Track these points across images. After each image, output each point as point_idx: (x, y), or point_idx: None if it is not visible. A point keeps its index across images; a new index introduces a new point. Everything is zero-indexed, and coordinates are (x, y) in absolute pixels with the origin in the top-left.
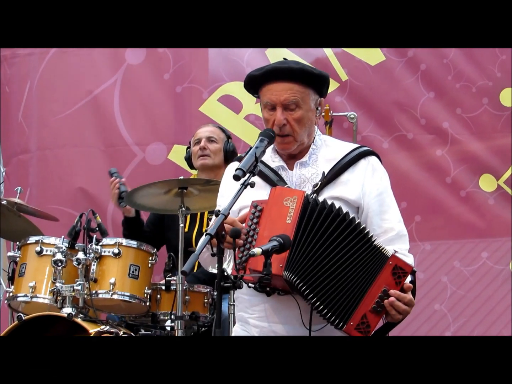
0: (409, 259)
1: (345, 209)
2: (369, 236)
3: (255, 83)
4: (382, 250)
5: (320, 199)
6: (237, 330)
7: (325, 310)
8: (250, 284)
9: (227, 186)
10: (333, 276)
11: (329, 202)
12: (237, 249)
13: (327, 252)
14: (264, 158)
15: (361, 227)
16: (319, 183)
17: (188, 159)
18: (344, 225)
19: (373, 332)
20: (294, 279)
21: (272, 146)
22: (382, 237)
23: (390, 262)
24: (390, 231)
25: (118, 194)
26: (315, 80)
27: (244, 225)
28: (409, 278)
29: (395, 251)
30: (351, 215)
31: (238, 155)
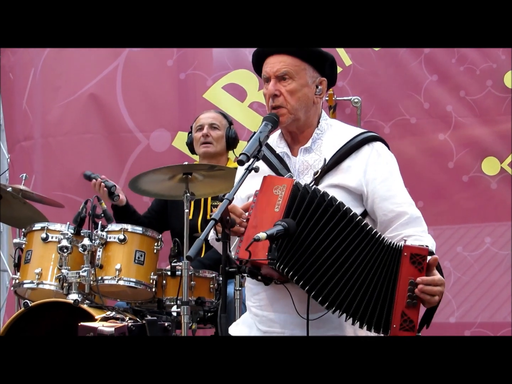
0: (428, 240)
1: (345, 197)
2: (367, 227)
3: (257, 60)
4: (391, 244)
5: (321, 186)
6: (246, 317)
7: (340, 310)
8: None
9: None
10: (333, 270)
11: (327, 190)
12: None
13: (319, 241)
14: (271, 143)
15: (357, 219)
16: (319, 170)
17: (190, 145)
18: (338, 216)
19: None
20: (283, 268)
21: (279, 131)
22: (396, 221)
23: (405, 253)
24: (403, 214)
25: (107, 191)
26: (310, 55)
27: (247, 213)
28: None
29: (405, 240)
30: (345, 206)
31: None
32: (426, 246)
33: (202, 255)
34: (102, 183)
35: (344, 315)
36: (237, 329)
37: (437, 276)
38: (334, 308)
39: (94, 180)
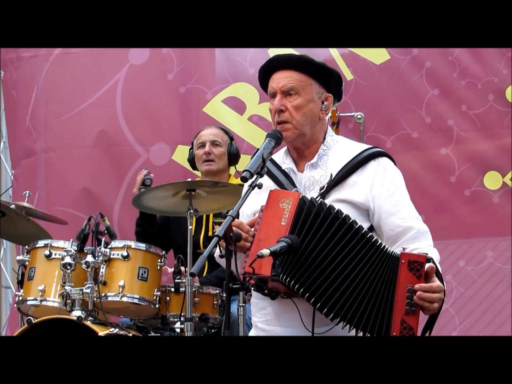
0: (433, 254)
1: (352, 212)
2: (373, 239)
3: (263, 75)
4: (391, 252)
5: (327, 201)
6: (251, 335)
7: (344, 323)
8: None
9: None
10: (339, 282)
11: (334, 205)
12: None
13: (325, 254)
14: (277, 160)
15: (363, 231)
16: (326, 185)
17: (191, 161)
18: (344, 229)
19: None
20: (289, 281)
21: (285, 148)
22: (403, 236)
23: (403, 261)
24: (410, 229)
25: (142, 180)
26: (316, 71)
27: (253, 229)
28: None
29: (403, 248)
30: (352, 219)
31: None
32: (425, 253)
33: (204, 273)
34: (145, 171)
35: (348, 326)
36: None
37: (435, 282)
38: (338, 319)
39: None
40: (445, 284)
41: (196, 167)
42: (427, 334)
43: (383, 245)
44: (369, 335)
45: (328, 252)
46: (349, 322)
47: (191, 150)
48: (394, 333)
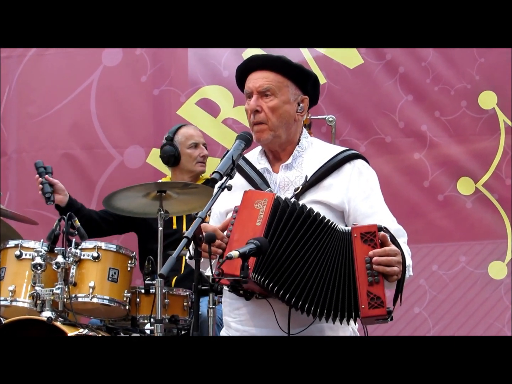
0: (406, 249)
1: (327, 213)
2: (333, 226)
3: (240, 75)
4: (342, 230)
5: (302, 202)
6: (222, 335)
7: (318, 310)
8: (224, 288)
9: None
10: (309, 274)
11: (307, 206)
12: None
13: (298, 251)
14: (251, 160)
15: (325, 221)
16: (300, 187)
17: (174, 157)
18: (315, 226)
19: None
20: (263, 280)
21: (260, 148)
22: None
23: (355, 235)
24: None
25: (42, 194)
26: (293, 72)
27: (225, 232)
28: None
29: (354, 224)
30: (321, 215)
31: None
32: (375, 224)
33: (182, 272)
34: (40, 185)
35: (324, 318)
36: None
37: (390, 246)
38: (312, 310)
39: (37, 176)
40: (404, 250)
41: (184, 165)
42: (398, 301)
43: (334, 225)
44: (339, 318)
45: (300, 249)
46: (320, 314)
47: (168, 147)
48: (363, 306)
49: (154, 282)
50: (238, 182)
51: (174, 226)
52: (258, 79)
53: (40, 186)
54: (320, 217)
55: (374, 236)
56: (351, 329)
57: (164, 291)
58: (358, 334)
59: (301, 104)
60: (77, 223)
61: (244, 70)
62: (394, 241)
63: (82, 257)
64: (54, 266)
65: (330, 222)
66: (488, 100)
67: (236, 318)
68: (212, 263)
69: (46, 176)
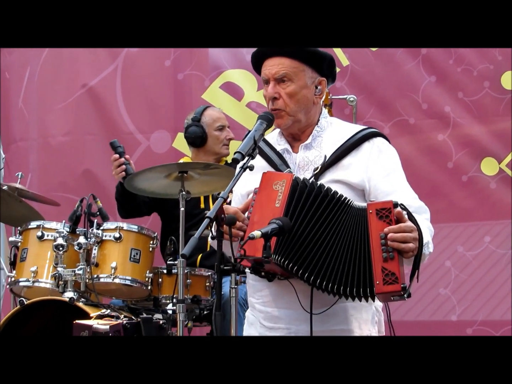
0: (424, 225)
1: (347, 192)
2: (349, 203)
3: (256, 61)
4: (358, 207)
5: (322, 182)
6: (248, 316)
7: (336, 288)
8: (246, 270)
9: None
10: (326, 253)
11: (329, 186)
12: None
13: (316, 231)
14: (271, 141)
15: (342, 199)
16: (319, 166)
17: (201, 138)
18: (332, 204)
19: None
20: (284, 261)
21: (279, 129)
22: None
23: (370, 211)
24: (407, 208)
25: (123, 176)
26: (308, 56)
27: (247, 213)
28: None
29: (370, 200)
30: (338, 193)
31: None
32: (391, 200)
33: (208, 249)
34: (123, 166)
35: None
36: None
37: (405, 223)
38: (329, 290)
39: (116, 155)
40: (425, 226)
41: (211, 147)
42: (415, 281)
43: (351, 202)
44: (356, 295)
45: (318, 229)
46: (338, 285)
47: (194, 127)
48: (377, 282)
49: (176, 262)
50: (259, 163)
51: (202, 206)
52: (273, 66)
53: (123, 166)
54: (338, 196)
55: (389, 212)
56: (374, 307)
57: (186, 271)
58: (382, 313)
59: (318, 87)
60: (99, 203)
61: (259, 57)
62: (411, 217)
63: (104, 237)
64: (76, 247)
65: (347, 200)
66: (510, 80)
67: (260, 300)
68: (233, 246)
69: (127, 156)
